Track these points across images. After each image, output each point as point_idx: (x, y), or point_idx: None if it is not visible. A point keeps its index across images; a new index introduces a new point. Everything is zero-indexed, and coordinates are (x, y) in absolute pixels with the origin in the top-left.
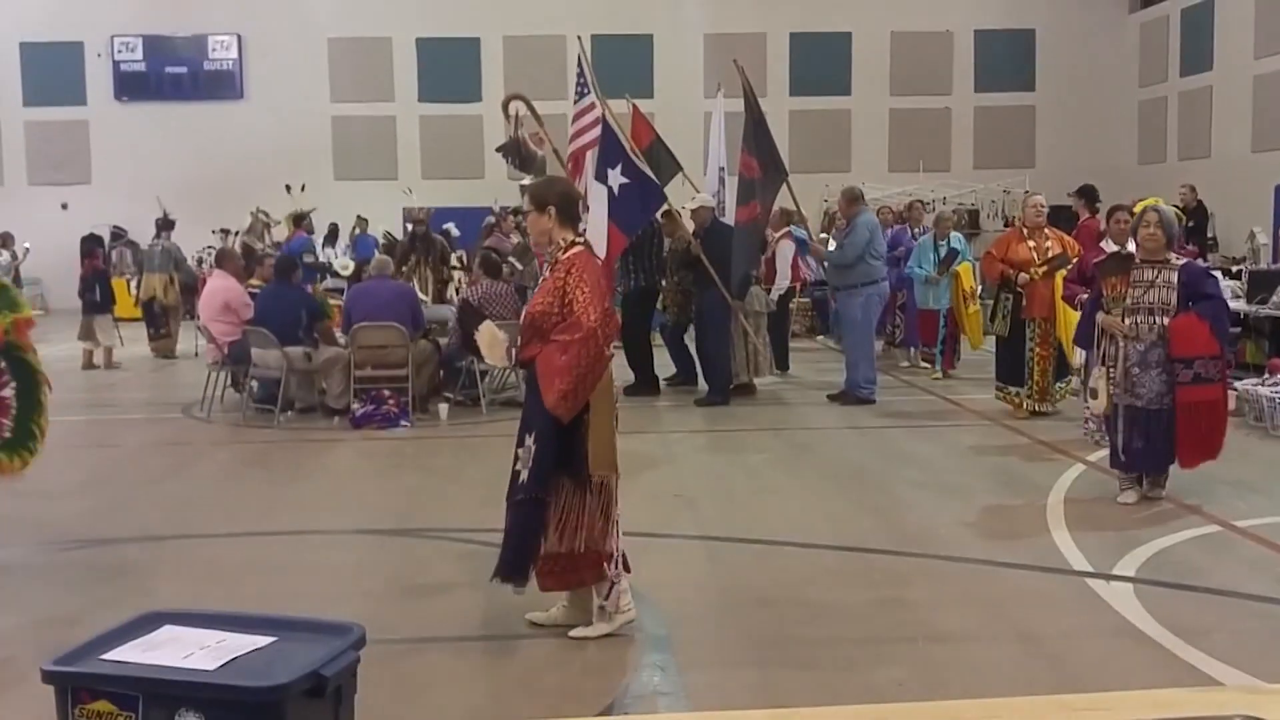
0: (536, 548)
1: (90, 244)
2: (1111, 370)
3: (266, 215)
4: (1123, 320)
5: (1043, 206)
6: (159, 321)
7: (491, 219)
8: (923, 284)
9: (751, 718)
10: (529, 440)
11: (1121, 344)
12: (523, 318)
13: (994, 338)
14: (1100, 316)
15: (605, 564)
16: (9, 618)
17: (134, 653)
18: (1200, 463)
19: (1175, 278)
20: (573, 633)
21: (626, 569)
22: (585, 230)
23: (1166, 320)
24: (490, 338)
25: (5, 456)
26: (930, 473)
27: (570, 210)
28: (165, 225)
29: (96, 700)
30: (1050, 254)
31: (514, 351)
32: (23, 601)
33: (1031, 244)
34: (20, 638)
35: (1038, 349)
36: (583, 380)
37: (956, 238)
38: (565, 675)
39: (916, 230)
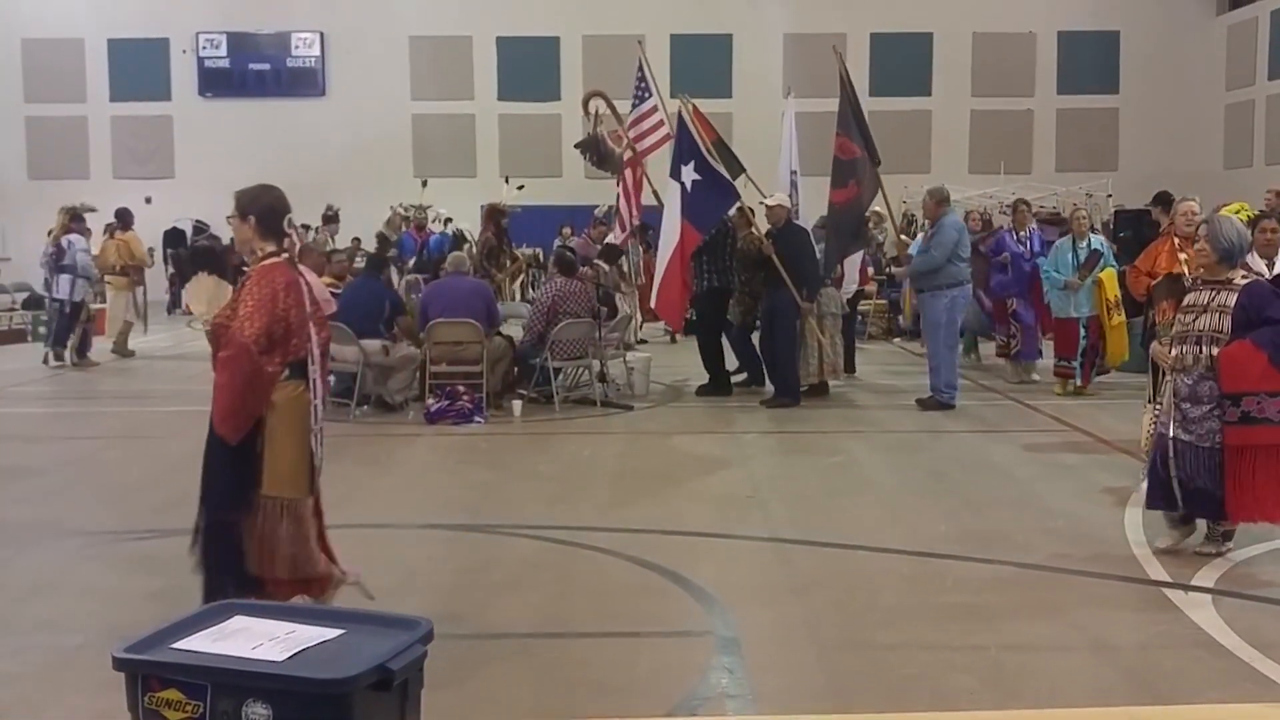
0: (231, 572)
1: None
2: (1158, 406)
3: (406, 210)
4: (1169, 349)
5: (1195, 214)
6: None
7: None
8: (1059, 290)
9: None
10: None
11: (1169, 376)
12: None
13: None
14: (1153, 346)
15: (299, 590)
16: (82, 604)
17: (204, 642)
18: (1258, 520)
19: (1234, 301)
20: None
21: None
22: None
23: (1216, 350)
24: (200, 291)
25: None
26: (1008, 481)
27: (272, 223)
28: (328, 220)
29: (166, 689)
30: None
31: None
32: (95, 589)
33: (1184, 256)
34: (93, 625)
35: None
36: (239, 398)
37: (1098, 239)
38: (633, 675)
39: (1022, 234)
